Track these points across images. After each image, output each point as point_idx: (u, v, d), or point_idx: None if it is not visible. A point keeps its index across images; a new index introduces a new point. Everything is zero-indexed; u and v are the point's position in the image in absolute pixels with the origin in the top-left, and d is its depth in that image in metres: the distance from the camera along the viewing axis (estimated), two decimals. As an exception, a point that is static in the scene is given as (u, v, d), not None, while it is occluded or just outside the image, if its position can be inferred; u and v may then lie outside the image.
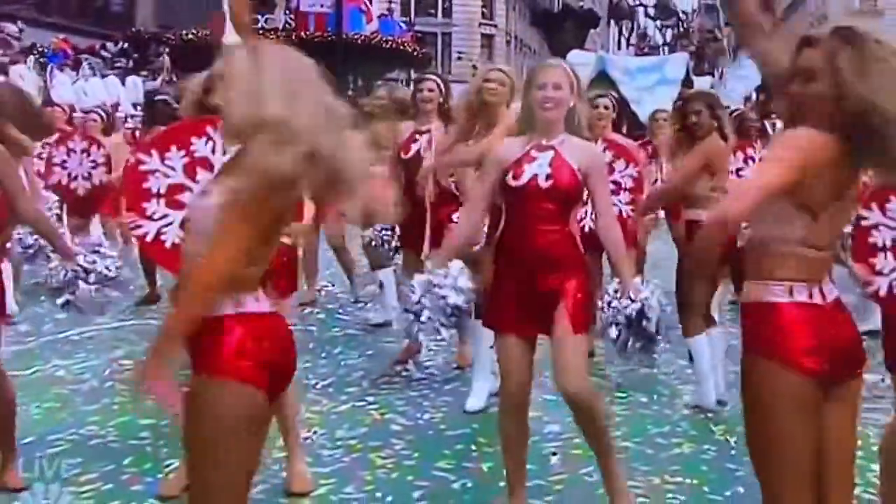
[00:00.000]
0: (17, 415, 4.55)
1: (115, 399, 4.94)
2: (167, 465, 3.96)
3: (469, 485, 3.85)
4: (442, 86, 5.53)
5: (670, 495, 3.80)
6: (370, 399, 4.97)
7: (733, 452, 4.31)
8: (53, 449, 4.17)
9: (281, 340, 2.29)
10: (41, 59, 16.04)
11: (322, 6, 22.70)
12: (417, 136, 5.47)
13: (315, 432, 4.41)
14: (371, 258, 6.81)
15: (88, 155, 8.00)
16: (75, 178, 8.15)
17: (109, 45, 21.39)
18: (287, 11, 23.82)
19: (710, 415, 4.88)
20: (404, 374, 5.50)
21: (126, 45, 21.95)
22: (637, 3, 41.07)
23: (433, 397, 5.05)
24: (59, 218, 8.43)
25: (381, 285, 6.74)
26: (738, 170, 6.06)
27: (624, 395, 5.12)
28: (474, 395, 4.87)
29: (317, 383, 5.19)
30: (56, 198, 7.58)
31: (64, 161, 8.11)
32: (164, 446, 4.19)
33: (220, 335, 2.17)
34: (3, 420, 3.89)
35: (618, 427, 4.62)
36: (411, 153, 5.45)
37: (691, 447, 4.37)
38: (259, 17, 24.28)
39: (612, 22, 42.39)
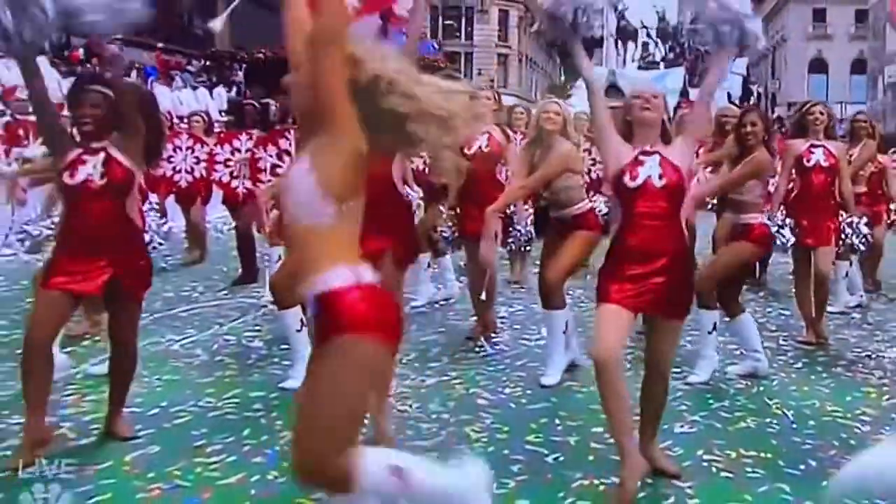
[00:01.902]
0: (144, 386, 4.26)
1: (226, 372, 4.56)
2: (283, 437, 3.58)
3: (561, 458, 3.44)
4: (496, 96, 5.43)
5: (749, 469, 3.36)
6: (453, 374, 4.56)
7: (795, 426, 3.88)
8: (178, 420, 3.79)
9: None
10: (140, 75, 15.71)
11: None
12: (478, 136, 5.22)
13: (410, 405, 4.01)
14: (432, 248, 6.49)
15: (193, 151, 7.69)
16: (179, 171, 7.85)
17: (194, 62, 21.07)
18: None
19: (761, 388, 4.45)
20: (477, 349, 5.09)
21: (207, 62, 21.63)
22: (641, 25, 40.44)
23: (508, 372, 4.63)
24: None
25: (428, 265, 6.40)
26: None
27: (679, 370, 4.67)
28: (550, 371, 4.48)
29: (402, 358, 4.78)
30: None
31: (170, 156, 7.80)
32: (277, 419, 3.82)
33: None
34: (124, 376, 3.58)
35: (681, 402, 4.21)
36: (474, 149, 5.19)
37: (755, 421, 3.93)
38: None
39: (620, 41, 41.77)
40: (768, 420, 3.95)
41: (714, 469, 3.35)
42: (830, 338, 5.49)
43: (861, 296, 6.68)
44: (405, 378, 4.43)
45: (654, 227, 3.04)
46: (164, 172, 7.86)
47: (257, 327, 5.59)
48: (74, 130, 3.54)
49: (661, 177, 3.05)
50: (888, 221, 7.38)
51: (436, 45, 31.33)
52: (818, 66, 52.05)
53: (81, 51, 16.88)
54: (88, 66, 15.42)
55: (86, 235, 3.34)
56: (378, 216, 2.85)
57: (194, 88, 15.30)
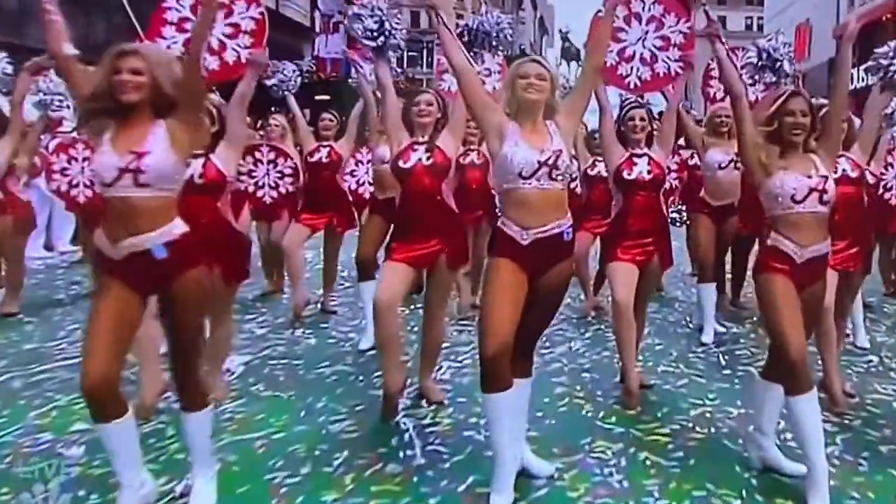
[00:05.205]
0: None
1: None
2: None
3: None
4: (439, 101, 3.47)
5: None
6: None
7: None
8: None
9: None
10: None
11: (336, 53, 22.05)
12: (416, 147, 3.34)
13: None
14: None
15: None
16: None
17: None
18: (311, 59, 21.99)
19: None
20: (408, 451, 2.93)
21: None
22: (583, 46, 39.08)
23: (448, 512, 2.47)
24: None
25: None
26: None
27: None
28: (499, 487, 2.48)
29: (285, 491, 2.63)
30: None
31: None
32: None
33: None
34: None
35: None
36: (411, 162, 3.30)
37: None
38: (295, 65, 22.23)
39: (564, 61, 39.89)
40: None
41: None
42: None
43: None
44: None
45: None
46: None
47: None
48: None
49: None
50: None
51: (398, 70, 29.89)
52: (717, 89, 52.79)
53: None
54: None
55: None
56: None
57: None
